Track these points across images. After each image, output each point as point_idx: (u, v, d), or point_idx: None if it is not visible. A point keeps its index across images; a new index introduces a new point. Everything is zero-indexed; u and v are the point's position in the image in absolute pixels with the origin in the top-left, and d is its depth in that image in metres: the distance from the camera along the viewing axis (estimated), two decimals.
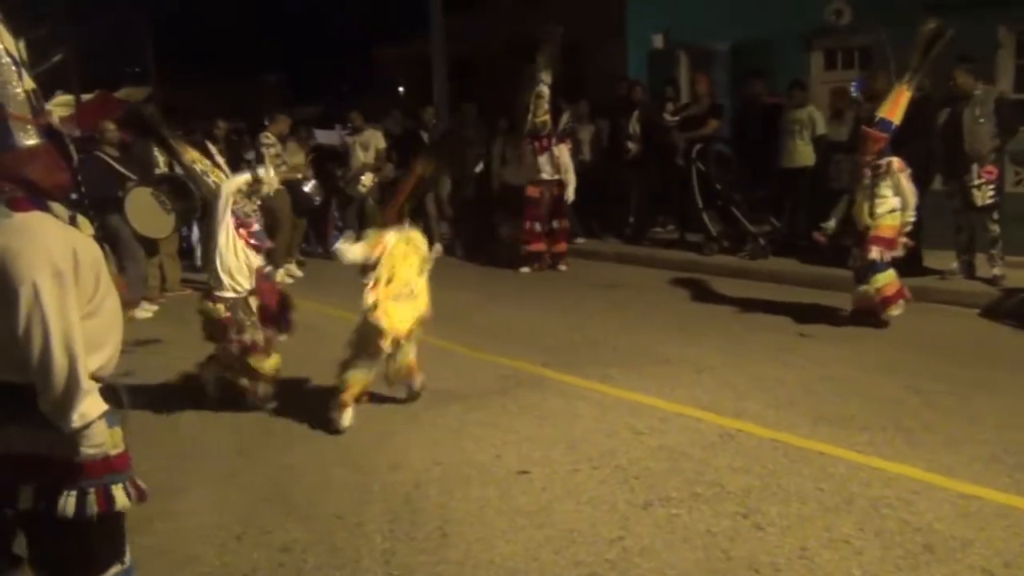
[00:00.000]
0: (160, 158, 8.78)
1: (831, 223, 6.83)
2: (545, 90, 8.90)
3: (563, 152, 9.44)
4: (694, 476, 4.22)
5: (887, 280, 6.53)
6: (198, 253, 9.69)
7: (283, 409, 5.49)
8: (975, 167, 7.24)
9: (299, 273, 10.13)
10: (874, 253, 6.44)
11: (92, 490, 2.45)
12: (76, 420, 2.33)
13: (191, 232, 11.13)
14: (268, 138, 9.40)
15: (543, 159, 9.22)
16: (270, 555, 3.67)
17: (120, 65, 31.81)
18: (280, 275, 9.78)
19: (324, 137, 13.35)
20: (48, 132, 2.47)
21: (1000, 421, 4.72)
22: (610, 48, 13.55)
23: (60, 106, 28.22)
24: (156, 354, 7.08)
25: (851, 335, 6.59)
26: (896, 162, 6.41)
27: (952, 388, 5.28)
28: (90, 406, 2.34)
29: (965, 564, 3.31)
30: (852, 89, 9.50)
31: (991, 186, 7.27)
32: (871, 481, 4.06)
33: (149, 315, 8.31)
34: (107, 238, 7.92)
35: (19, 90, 2.39)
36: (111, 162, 8.08)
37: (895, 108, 6.35)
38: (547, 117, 9.03)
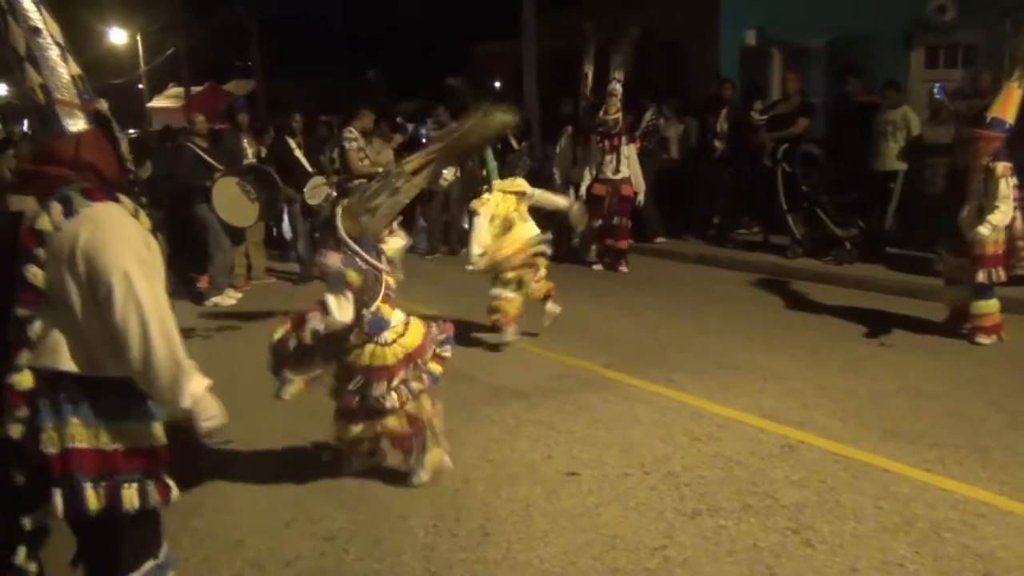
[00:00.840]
0: (248, 149, 9.07)
1: (983, 230, 6.02)
2: (618, 88, 8.80)
3: (632, 152, 9.31)
4: (747, 487, 4.09)
5: (988, 310, 6.20)
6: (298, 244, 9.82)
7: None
8: None
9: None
10: (981, 276, 6.10)
11: (151, 482, 2.51)
12: (188, 399, 2.43)
13: (281, 223, 11.45)
14: (351, 132, 9.55)
15: (611, 157, 9.09)
16: (314, 544, 3.73)
17: (229, 59, 33.08)
18: None
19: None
20: (96, 118, 2.52)
21: None
22: (705, 45, 13.32)
23: (170, 98, 29.56)
24: (232, 340, 7.30)
25: (935, 346, 6.28)
26: (1001, 166, 6.02)
27: None
28: (196, 383, 2.46)
29: None
30: (936, 91, 9.04)
31: None
32: (935, 502, 3.86)
33: (233, 302, 8.58)
34: (196, 226, 8.29)
35: (65, 76, 2.43)
36: (200, 153, 8.38)
37: (1007, 106, 6.01)
38: (619, 115, 8.91)
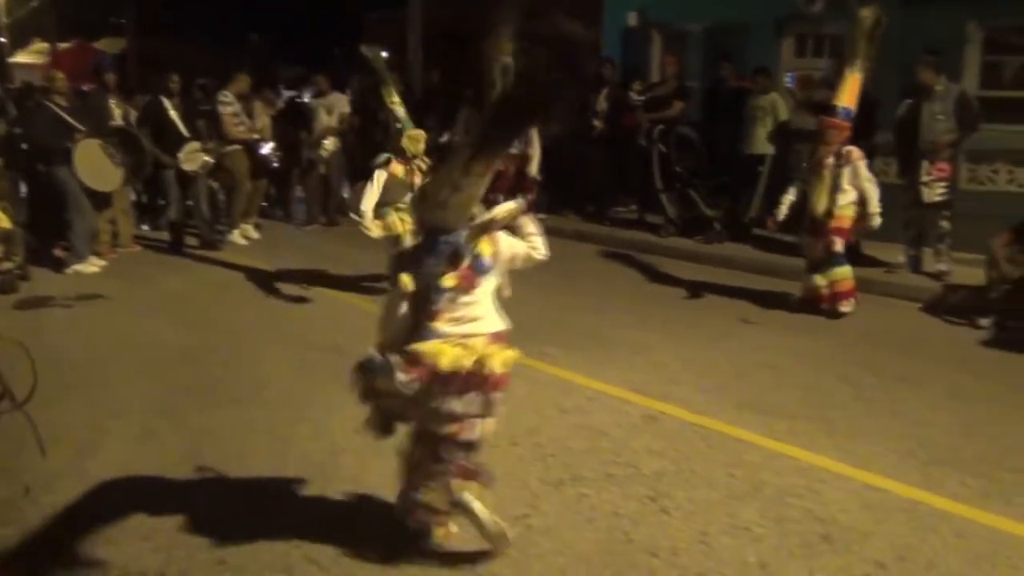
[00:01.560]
0: (116, 111, 8.66)
1: (782, 209, 6.81)
2: (510, 62, 8.78)
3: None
4: (611, 457, 4.22)
5: (844, 274, 6.58)
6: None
7: (218, 371, 5.46)
8: (925, 163, 7.26)
9: (255, 235, 10.04)
10: (838, 245, 6.47)
11: None
12: None
13: (150, 188, 11.02)
14: (226, 96, 9.26)
15: None
16: (174, 517, 3.64)
17: (101, 15, 31.25)
18: (236, 235, 9.72)
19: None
20: None
21: (921, 416, 4.76)
22: (587, 24, 13.43)
23: (35, 53, 27.78)
24: (95, 310, 7.02)
25: (793, 323, 6.62)
26: (856, 151, 6.42)
27: (882, 381, 5.32)
28: None
29: (859, 556, 3.34)
30: (787, 81, 9.45)
31: (941, 183, 7.29)
32: (783, 469, 4.08)
33: (96, 270, 8.20)
34: (54, 190, 7.90)
35: None
36: (60, 112, 7.92)
37: (851, 95, 6.36)
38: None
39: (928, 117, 7.35)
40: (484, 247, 3.25)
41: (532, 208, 10.28)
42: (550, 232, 10.50)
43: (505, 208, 3.38)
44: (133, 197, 9.97)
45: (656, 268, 8.52)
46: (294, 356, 5.78)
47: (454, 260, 3.14)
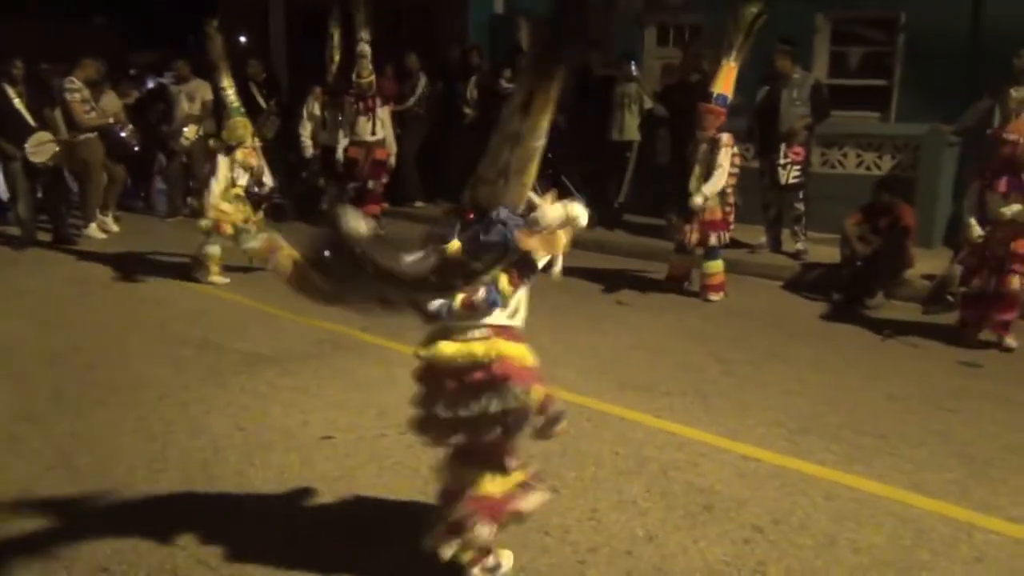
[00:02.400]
0: None
1: (698, 200, 6.66)
2: (367, 48, 8.65)
3: (386, 115, 9.29)
4: None
5: (716, 269, 6.85)
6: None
7: (85, 373, 5.20)
8: (783, 147, 7.65)
9: (115, 228, 9.57)
10: (714, 239, 6.72)
11: None
12: None
13: None
14: (73, 83, 8.75)
15: (365, 119, 8.98)
16: (46, 526, 3.47)
17: None
18: (93, 228, 9.24)
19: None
20: None
21: (787, 388, 5.04)
22: (454, 10, 13.40)
23: None
24: None
25: (665, 304, 6.86)
26: (726, 136, 6.63)
27: (750, 356, 5.60)
28: None
29: (738, 522, 3.52)
30: (632, 67, 9.77)
31: (797, 166, 7.71)
32: (665, 445, 4.25)
33: None
34: None
35: None
36: None
37: (728, 83, 6.60)
38: (372, 77, 8.79)
39: (786, 103, 7.73)
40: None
41: (407, 196, 10.33)
42: (424, 220, 10.63)
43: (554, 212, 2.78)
44: None
45: None
46: (164, 353, 5.57)
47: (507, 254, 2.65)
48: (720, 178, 6.58)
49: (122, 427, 4.43)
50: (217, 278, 7.25)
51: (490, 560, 3.06)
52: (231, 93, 7.18)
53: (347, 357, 5.50)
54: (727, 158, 6.63)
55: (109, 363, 5.39)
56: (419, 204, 10.70)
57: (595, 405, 4.74)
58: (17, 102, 8.40)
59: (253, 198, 7.27)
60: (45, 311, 6.60)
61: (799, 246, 7.93)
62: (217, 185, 7.01)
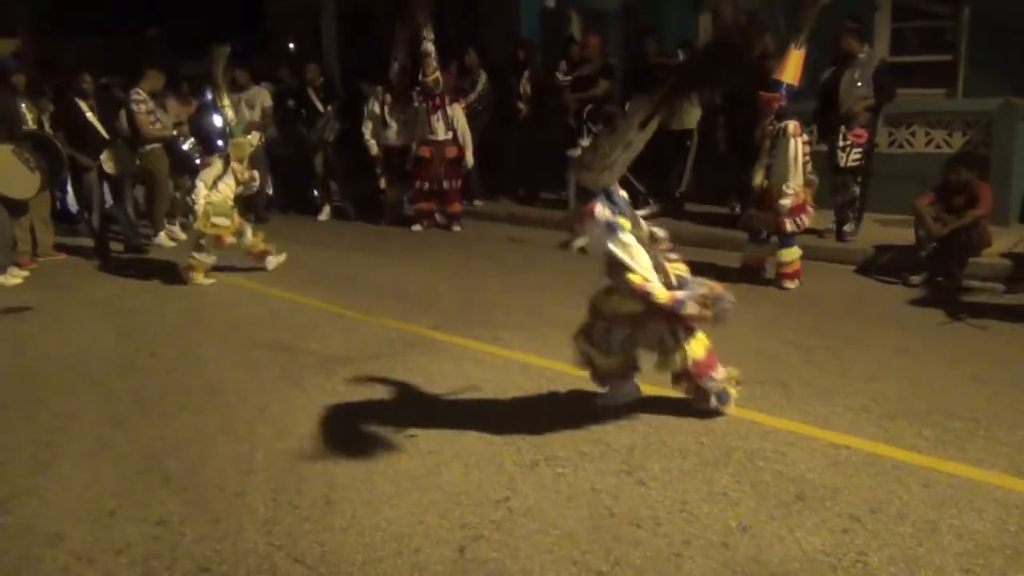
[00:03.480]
0: (28, 115, 8.28)
1: (786, 202, 6.54)
2: (431, 48, 8.70)
3: (458, 112, 9.33)
4: (580, 435, 4.25)
5: (792, 256, 6.70)
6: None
7: (164, 378, 5.30)
8: (843, 129, 7.45)
9: (182, 236, 9.73)
10: (788, 226, 6.57)
11: None
12: None
13: (66, 194, 10.58)
14: (139, 95, 8.93)
15: (435, 119, 9.05)
16: (145, 529, 3.53)
17: None
18: (162, 237, 9.43)
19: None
20: None
21: (870, 373, 4.92)
22: (503, 7, 13.39)
23: None
24: (24, 322, 6.74)
25: (736, 293, 6.60)
26: (792, 125, 6.47)
27: (828, 343, 5.48)
28: None
29: (834, 511, 3.44)
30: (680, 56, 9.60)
31: (858, 149, 7.48)
32: (749, 434, 4.18)
33: (19, 281, 7.84)
34: None
35: None
36: None
37: (792, 70, 6.45)
38: (437, 75, 8.85)
39: (847, 84, 7.54)
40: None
41: (469, 194, 10.36)
42: (484, 217, 10.62)
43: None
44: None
45: None
46: (239, 357, 5.64)
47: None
48: (796, 170, 6.44)
49: (207, 430, 4.49)
50: (202, 280, 7.58)
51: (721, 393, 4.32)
52: (230, 112, 7.48)
53: (419, 355, 5.52)
54: (798, 148, 6.46)
55: (185, 367, 5.49)
56: (478, 202, 10.71)
57: (672, 395, 4.67)
58: (89, 115, 8.62)
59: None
60: (119, 319, 6.74)
61: (847, 227, 7.75)
62: (203, 189, 7.34)
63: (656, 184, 9.48)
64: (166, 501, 3.76)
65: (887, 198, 7.90)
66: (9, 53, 20.86)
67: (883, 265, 7.14)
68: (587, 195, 3.99)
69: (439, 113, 9.02)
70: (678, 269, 4.23)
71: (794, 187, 6.46)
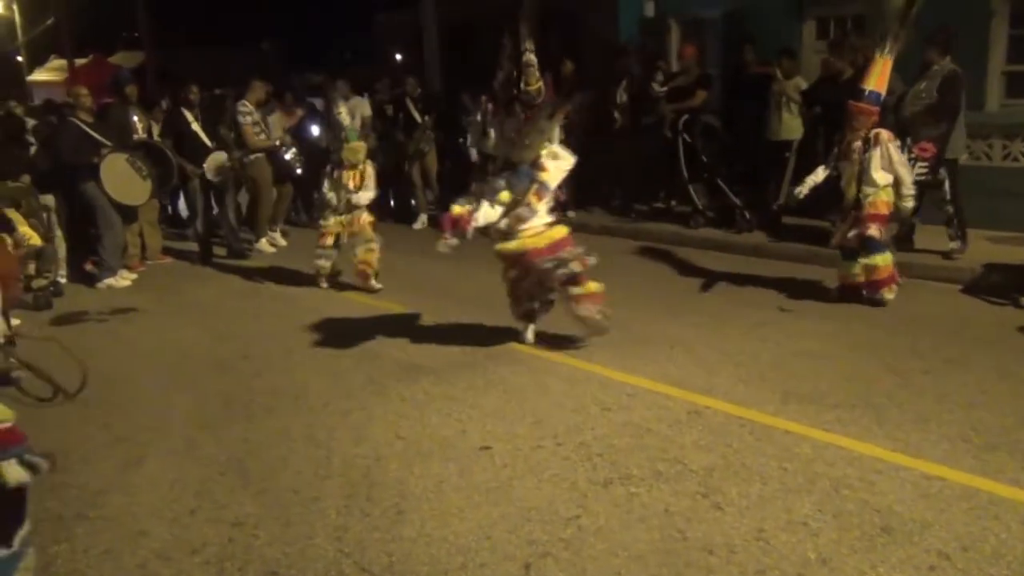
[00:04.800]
0: (139, 125, 8.68)
1: (804, 188, 6.63)
2: (533, 58, 8.66)
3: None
4: (657, 453, 4.16)
5: (883, 261, 6.40)
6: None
7: (253, 381, 5.45)
8: (908, 141, 7.03)
9: (283, 242, 10.03)
10: (872, 231, 6.31)
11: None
12: None
13: (177, 200, 11.04)
14: (245, 106, 9.26)
15: None
16: (221, 530, 3.62)
17: (114, 29, 31.50)
18: (263, 244, 9.72)
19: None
20: None
21: (970, 400, 4.65)
22: (603, 16, 13.32)
23: (53, 70, 28.05)
24: (129, 323, 7.06)
25: (832, 311, 6.50)
26: (885, 133, 6.27)
27: (927, 366, 5.21)
28: None
29: (922, 547, 3.26)
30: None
31: (923, 163, 6.99)
32: (835, 461, 4.00)
33: (127, 283, 8.26)
34: (82, 205, 7.97)
35: None
36: (86, 128, 7.95)
37: (882, 79, 6.21)
38: (539, 85, 8.78)
39: (913, 95, 7.11)
40: (545, 176, 5.49)
41: (560, 206, 10.31)
42: (576, 228, 10.55)
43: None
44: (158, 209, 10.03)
45: (686, 260, 8.42)
46: (327, 362, 5.75)
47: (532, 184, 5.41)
48: (908, 171, 6.27)
49: (289, 434, 4.59)
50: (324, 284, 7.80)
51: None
52: (346, 119, 7.60)
53: (500, 366, 5.51)
54: (897, 151, 6.27)
55: (275, 371, 5.63)
56: (571, 213, 10.63)
57: (757, 418, 4.53)
58: (194, 125, 8.98)
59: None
60: (217, 321, 6.98)
61: (952, 245, 7.36)
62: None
63: (754, 197, 9.27)
64: (244, 503, 3.85)
65: (999, 214, 7.50)
66: (134, 66, 22.01)
67: (992, 285, 6.75)
68: (508, 167, 5.52)
69: None
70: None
71: (911, 192, 6.30)
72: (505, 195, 5.37)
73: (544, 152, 5.51)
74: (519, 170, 5.46)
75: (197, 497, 3.92)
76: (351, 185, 7.46)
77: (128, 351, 6.29)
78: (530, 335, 5.91)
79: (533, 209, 5.44)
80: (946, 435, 4.22)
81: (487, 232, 5.42)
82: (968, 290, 6.89)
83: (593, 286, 5.60)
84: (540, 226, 5.49)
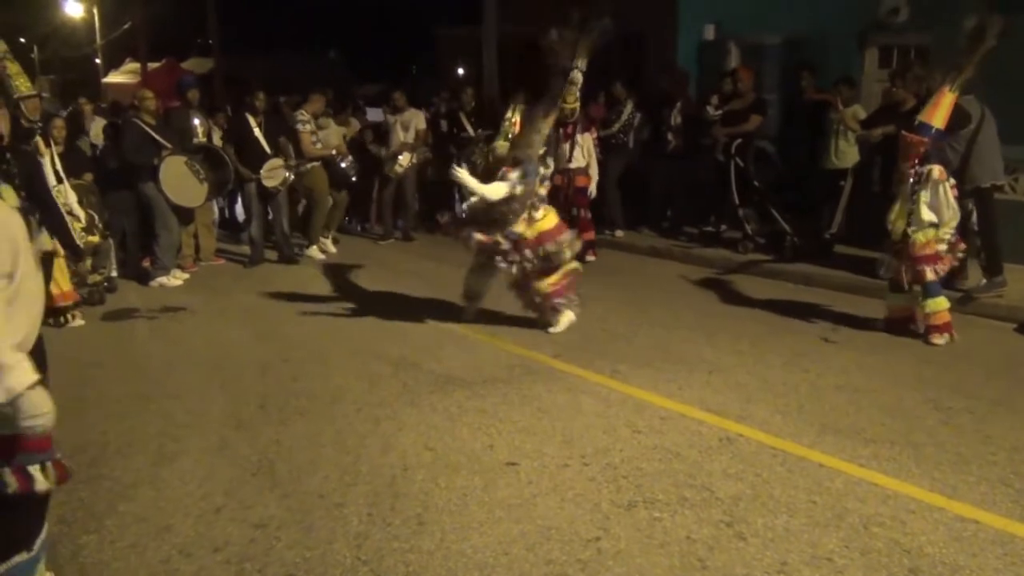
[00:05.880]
0: (199, 128, 8.90)
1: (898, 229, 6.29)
2: (579, 76, 8.59)
3: (587, 141, 9.29)
4: (685, 479, 4.11)
5: (938, 307, 6.21)
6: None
7: (290, 384, 5.52)
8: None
9: (332, 249, 10.17)
10: (929, 275, 6.14)
11: (8, 469, 2.42)
12: (2, 395, 2.27)
13: (232, 203, 11.28)
14: (303, 115, 9.43)
15: (565, 147, 9.00)
16: (244, 530, 3.67)
17: (188, 35, 32.34)
18: (314, 250, 9.86)
19: (374, 116, 13.35)
20: None
21: (1016, 443, 4.50)
22: (664, 38, 13.30)
23: (127, 73, 28.91)
24: (177, 321, 7.22)
25: (878, 344, 6.36)
26: (937, 170, 6.09)
27: (972, 405, 5.06)
28: (16, 379, 2.27)
29: None
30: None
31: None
32: (867, 497, 3.90)
33: (179, 283, 8.45)
34: (142, 205, 8.19)
35: None
36: (148, 130, 8.18)
37: (935, 111, 6.07)
38: (577, 104, 8.70)
39: None
40: (546, 170, 6.57)
41: (610, 223, 10.26)
42: (625, 248, 10.49)
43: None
44: (216, 212, 10.27)
45: (733, 285, 8.32)
46: (364, 370, 5.80)
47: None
48: (952, 215, 6.10)
49: (320, 438, 4.64)
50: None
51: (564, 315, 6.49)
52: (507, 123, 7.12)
53: (536, 383, 5.50)
54: (948, 192, 6.08)
55: (312, 375, 5.69)
56: (619, 233, 10.60)
57: (791, 448, 4.44)
58: (256, 131, 9.15)
59: None
60: (262, 324, 7.10)
61: (981, 283, 7.22)
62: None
63: (805, 225, 9.13)
64: (269, 504, 3.89)
65: None
66: (205, 71, 22.57)
67: None
68: (516, 161, 6.32)
69: (570, 141, 8.98)
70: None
71: (949, 231, 6.10)
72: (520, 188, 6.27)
73: (542, 150, 6.53)
74: (526, 167, 6.27)
75: (225, 496, 3.98)
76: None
77: (173, 349, 6.43)
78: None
79: (543, 199, 6.49)
80: (985, 477, 4.09)
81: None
82: (1022, 329, 6.68)
83: (570, 267, 6.56)
84: (543, 212, 6.49)
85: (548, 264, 6.41)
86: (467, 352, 6.18)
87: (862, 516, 3.73)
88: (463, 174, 6.27)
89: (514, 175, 6.20)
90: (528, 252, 6.34)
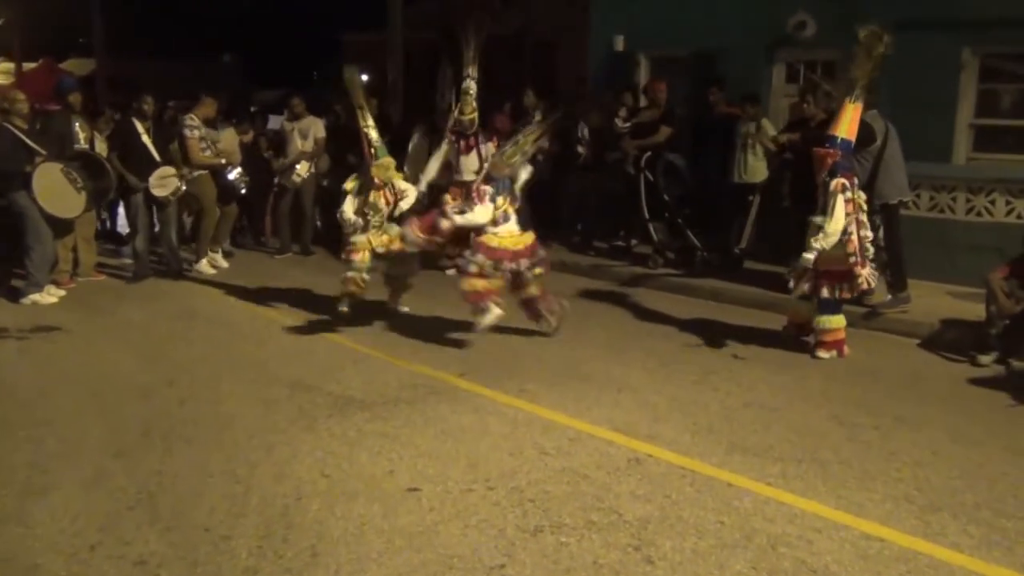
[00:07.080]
0: (81, 134, 8.37)
1: (808, 256, 6.16)
2: (472, 85, 8.38)
3: (491, 152, 9.10)
4: (592, 502, 3.96)
5: (830, 325, 6.26)
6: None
7: (176, 409, 5.18)
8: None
9: (224, 264, 9.68)
10: (826, 292, 6.19)
11: None
12: None
13: (115, 215, 10.71)
14: (192, 120, 8.98)
15: (466, 159, 8.70)
16: (122, 569, 3.37)
17: (70, 35, 30.66)
18: (204, 265, 9.40)
19: (275, 123, 12.92)
20: None
21: (918, 458, 4.52)
22: (575, 49, 13.27)
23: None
24: (50, 342, 6.73)
25: (785, 360, 6.37)
26: (835, 182, 6.07)
27: (877, 422, 5.08)
28: None
29: None
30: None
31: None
32: (775, 517, 3.83)
33: (54, 300, 7.83)
34: (13, 216, 7.58)
35: None
36: (20, 135, 7.58)
37: (839, 123, 6.15)
38: (474, 115, 8.49)
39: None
40: (517, 188, 6.60)
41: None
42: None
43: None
44: (97, 224, 9.70)
45: (642, 301, 8.26)
46: (257, 393, 5.49)
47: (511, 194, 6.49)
48: (834, 228, 6.02)
49: (208, 467, 4.33)
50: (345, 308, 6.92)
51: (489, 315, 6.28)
52: (374, 133, 7.01)
53: (440, 403, 5.30)
54: (840, 206, 6.04)
55: (200, 400, 5.36)
56: None
57: (699, 468, 4.36)
58: (144, 137, 8.66)
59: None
60: (146, 344, 6.68)
61: (886, 296, 7.33)
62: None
63: (715, 240, 9.16)
64: (150, 540, 3.59)
65: (963, 269, 7.43)
66: (86, 73, 21.53)
67: (950, 341, 6.66)
68: (491, 179, 6.49)
69: (472, 153, 8.68)
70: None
71: (819, 245, 6.03)
72: (501, 200, 6.41)
73: (518, 166, 6.61)
74: (499, 183, 6.41)
75: (100, 532, 3.66)
76: (381, 204, 6.92)
77: (45, 372, 5.97)
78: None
79: (508, 216, 6.44)
80: (890, 494, 4.08)
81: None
82: (926, 345, 6.80)
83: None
84: (517, 231, 6.51)
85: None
86: (368, 372, 5.92)
87: (770, 536, 3.65)
88: (460, 217, 6.35)
89: (489, 192, 6.37)
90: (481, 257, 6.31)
